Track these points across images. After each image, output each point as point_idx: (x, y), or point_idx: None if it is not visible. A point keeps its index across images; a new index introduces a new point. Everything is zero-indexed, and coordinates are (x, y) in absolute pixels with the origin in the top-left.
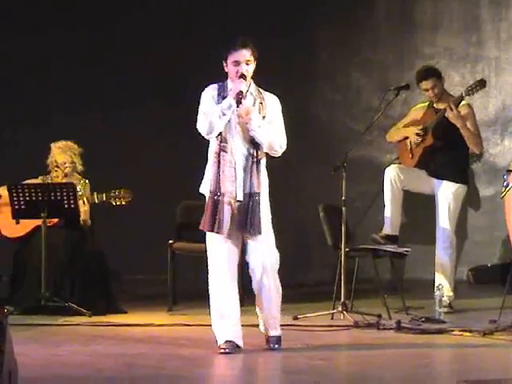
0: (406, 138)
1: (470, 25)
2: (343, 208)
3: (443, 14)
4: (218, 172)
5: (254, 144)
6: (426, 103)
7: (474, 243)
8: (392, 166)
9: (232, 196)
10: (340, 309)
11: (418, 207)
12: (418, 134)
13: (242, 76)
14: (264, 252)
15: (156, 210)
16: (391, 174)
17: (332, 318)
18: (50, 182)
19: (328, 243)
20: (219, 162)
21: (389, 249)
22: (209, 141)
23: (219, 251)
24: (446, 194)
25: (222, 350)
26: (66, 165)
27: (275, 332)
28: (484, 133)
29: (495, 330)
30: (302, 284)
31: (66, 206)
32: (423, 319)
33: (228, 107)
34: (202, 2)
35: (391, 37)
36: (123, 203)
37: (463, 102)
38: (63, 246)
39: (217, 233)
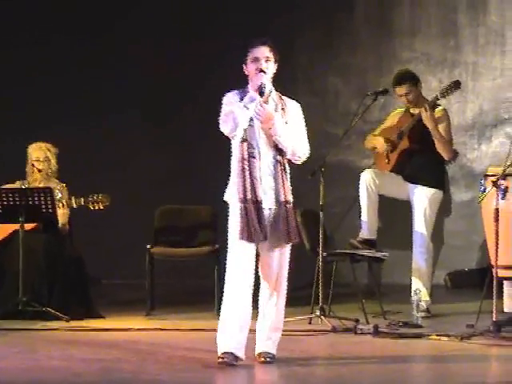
0: (376, 148)
1: (447, 30)
2: (321, 213)
3: (421, 19)
4: (251, 179)
5: (278, 150)
6: (403, 108)
7: (452, 248)
8: (367, 170)
9: (261, 203)
10: (318, 313)
11: (395, 211)
12: (387, 144)
13: (262, 71)
14: (282, 263)
15: (134, 214)
16: (366, 178)
17: (310, 323)
18: (27, 186)
19: (306, 248)
20: (250, 167)
21: (366, 253)
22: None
23: (242, 260)
24: (422, 198)
25: (220, 360)
26: (41, 159)
27: (269, 348)
28: (461, 138)
29: (472, 335)
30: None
31: (44, 210)
32: (401, 324)
33: (250, 100)
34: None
35: (370, 41)
36: (101, 208)
37: (440, 107)
38: (41, 251)
39: (250, 241)
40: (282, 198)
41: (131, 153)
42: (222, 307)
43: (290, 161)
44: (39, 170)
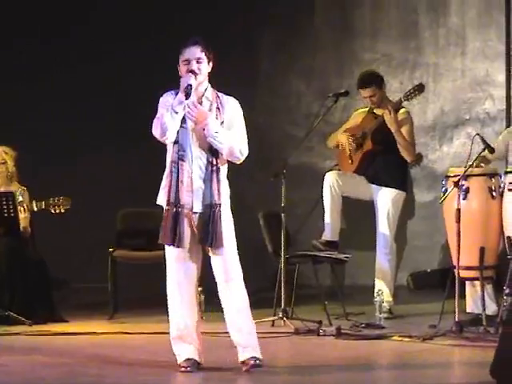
0: (340, 144)
1: (408, 31)
2: (283, 214)
3: (382, 21)
4: (177, 182)
5: (212, 151)
6: (367, 108)
7: (414, 248)
8: (331, 171)
9: (189, 208)
10: (280, 315)
11: (358, 213)
12: (352, 140)
13: (191, 71)
14: (227, 267)
15: (96, 217)
16: (330, 179)
17: (273, 325)
18: None
19: (268, 250)
20: (178, 171)
21: (329, 255)
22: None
23: (178, 266)
24: (385, 200)
25: (183, 369)
26: None
27: (254, 353)
28: (422, 139)
29: (435, 335)
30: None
31: (6, 214)
32: (363, 325)
33: (178, 103)
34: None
35: (331, 43)
36: (62, 211)
37: (402, 110)
38: (3, 255)
39: (177, 246)
40: (211, 201)
41: (92, 155)
42: (170, 314)
43: (229, 161)
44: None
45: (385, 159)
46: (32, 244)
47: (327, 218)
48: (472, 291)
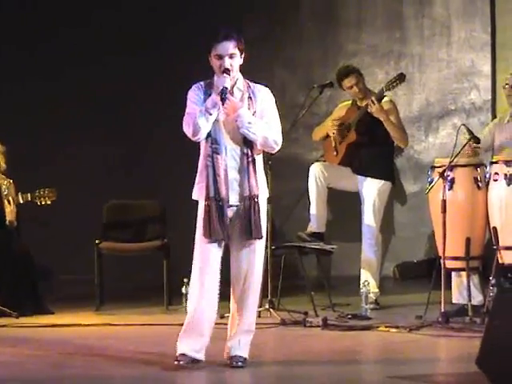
0: (328, 135)
1: (393, 22)
2: (268, 205)
3: (367, 11)
4: (214, 176)
5: (246, 143)
6: (350, 101)
7: (400, 239)
8: (316, 163)
9: (225, 200)
10: (267, 306)
11: (344, 204)
12: (337, 129)
13: (226, 71)
14: (253, 261)
15: (83, 209)
16: (315, 171)
17: (259, 316)
18: None
19: None
20: (213, 165)
21: (315, 246)
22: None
23: (206, 259)
24: (371, 190)
25: (176, 362)
26: None
27: (240, 352)
28: (408, 129)
29: (421, 326)
30: (228, 282)
31: None
32: (349, 316)
33: (212, 105)
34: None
35: (315, 34)
36: (48, 202)
37: (386, 99)
38: None
39: (223, 240)
40: (247, 193)
41: (78, 147)
42: (188, 307)
43: (266, 152)
44: None
45: (369, 150)
46: (17, 237)
47: (313, 210)
48: (458, 282)
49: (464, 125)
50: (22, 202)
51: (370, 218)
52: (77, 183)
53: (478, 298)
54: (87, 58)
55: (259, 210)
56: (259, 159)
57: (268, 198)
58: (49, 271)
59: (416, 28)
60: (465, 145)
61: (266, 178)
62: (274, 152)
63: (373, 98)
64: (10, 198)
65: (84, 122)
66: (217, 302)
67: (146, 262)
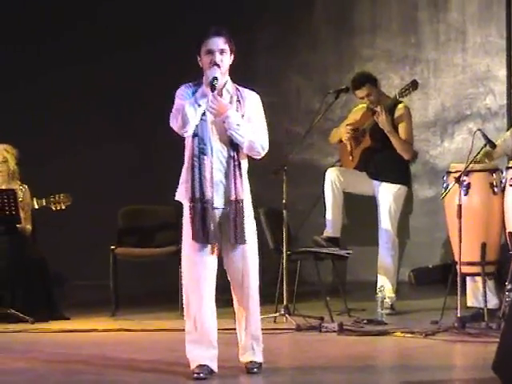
0: (342, 139)
1: (408, 27)
2: (284, 211)
3: (382, 16)
4: (200, 177)
5: (233, 145)
6: (365, 104)
7: (415, 244)
8: (332, 168)
9: (211, 203)
10: (282, 312)
11: (360, 209)
12: (351, 135)
13: (216, 64)
14: (246, 266)
15: (97, 214)
16: (331, 176)
17: (275, 322)
18: None
19: (270, 246)
20: (200, 165)
21: (330, 251)
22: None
23: (199, 263)
24: (387, 195)
25: (196, 375)
26: None
27: (254, 357)
28: (424, 134)
29: (437, 331)
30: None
31: (8, 212)
32: (365, 321)
33: (202, 95)
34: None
35: (330, 39)
36: (63, 208)
37: (400, 105)
38: (4, 253)
39: (206, 243)
40: (233, 197)
41: (94, 152)
42: (185, 318)
43: (250, 157)
44: (2, 173)
45: (385, 155)
46: (32, 242)
47: (328, 215)
48: (473, 286)
49: (480, 130)
50: (37, 207)
51: (386, 223)
52: (92, 188)
53: (493, 302)
54: (103, 62)
55: (244, 215)
56: (244, 164)
57: (284, 204)
58: (64, 277)
59: (431, 33)
60: (480, 150)
61: (282, 183)
62: (259, 157)
63: (380, 108)
64: (26, 204)
65: (100, 129)
66: (213, 309)
67: (160, 267)
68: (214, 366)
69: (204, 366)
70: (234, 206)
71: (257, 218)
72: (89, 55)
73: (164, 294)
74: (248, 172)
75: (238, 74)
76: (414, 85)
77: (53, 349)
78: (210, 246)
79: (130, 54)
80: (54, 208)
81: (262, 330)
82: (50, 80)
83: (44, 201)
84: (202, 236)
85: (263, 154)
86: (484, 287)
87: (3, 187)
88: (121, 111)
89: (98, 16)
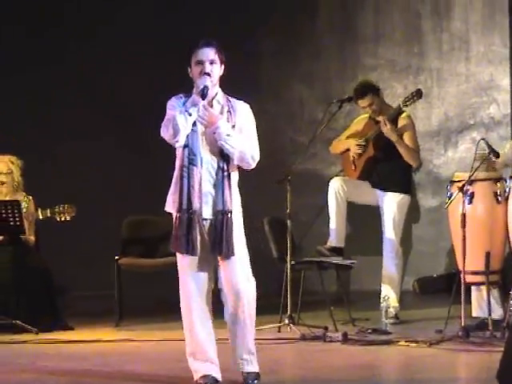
0: (348, 149)
1: (411, 36)
2: (288, 221)
3: (385, 26)
4: (188, 187)
5: (223, 156)
6: (367, 114)
7: (420, 254)
8: (336, 177)
9: (199, 213)
10: (287, 322)
11: (363, 218)
12: (358, 145)
13: (206, 74)
14: (238, 277)
15: (101, 225)
16: (335, 185)
17: (279, 331)
18: None
19: (273, 256)
20: (189, 176)
21: (334, 261)
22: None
23: (190, 276)
24: (391, 204)
25: None
26: (4, 172)
27: (252, 368)
28: (427, 144)
29: (441, 340)
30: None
31: (12, 223)
32: (370, 330)
33: (192, 104)
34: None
35: (333, 48)
36: (67, 218)
37: (404, 114)
38: (8, 263)
39: (191, 255)
40: (221, 207)
41: (98, 162)
42: (184, 329)
43: (240, 167)
44: (2, 183)
45: (388, 164)
46: (36, 252)
47: (332, 224)
48: (478, 296)
49: (483, 139)
50: (41, 217)
51: (390, 232)
52: (96, 198)
53: (498, 312)
54: (104, 76)
55: (232, 227)
56: (235, 176)
57: (287, 214)
58: (67, 287)
59: (434, 42)
60: (484, 159)
61: (285, 193)
62: (250, 168)
63: (385, 119)
64: (30, 214)
65: (101, 139)
66: (209, 319)
67: (165, 277)
68: (218, 376)
69: (208, 376)
70: (221, 217)
71: (261, 227)
72: (102, 72)
73: (168, 304)
74: (251, 182)
75: (241, 83)
76: (418, 94)
77: (57, 359)
78: (200, 258)
79: (150, 66)
80: (58, 219)
81: (267, 339)
82: (55, 93)
83: (49, 211)
84: (186, 246)
85: (254, 165)
86: (488, 296)
87: (8, 198)
88: (127, 123)
89: (98, 16)
